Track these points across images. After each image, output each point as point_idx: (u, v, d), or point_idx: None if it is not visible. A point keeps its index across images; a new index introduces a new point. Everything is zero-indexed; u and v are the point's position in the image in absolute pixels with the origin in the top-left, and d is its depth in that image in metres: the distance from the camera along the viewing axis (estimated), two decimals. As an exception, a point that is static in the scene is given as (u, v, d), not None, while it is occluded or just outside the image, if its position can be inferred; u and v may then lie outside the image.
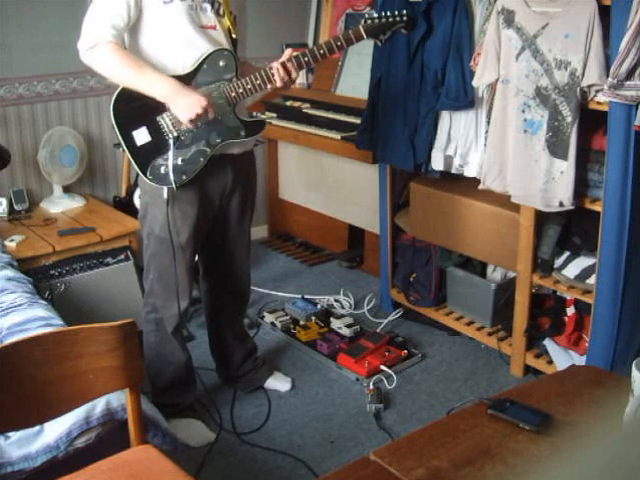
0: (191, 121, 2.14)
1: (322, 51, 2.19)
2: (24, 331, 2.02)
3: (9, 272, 2.53)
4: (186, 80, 2.17)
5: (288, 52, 2.22)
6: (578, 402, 1.46)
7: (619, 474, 0.64)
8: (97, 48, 2.10)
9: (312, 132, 3.67)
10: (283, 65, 2.19)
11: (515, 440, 1.34)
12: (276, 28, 4.08)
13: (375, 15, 2.20)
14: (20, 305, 2.25)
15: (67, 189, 3.54)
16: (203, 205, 2.33)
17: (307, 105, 3.87)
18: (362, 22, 2.21)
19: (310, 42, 4.23)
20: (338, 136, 3.52)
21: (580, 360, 2.64)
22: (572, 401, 1.47)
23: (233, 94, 2.21)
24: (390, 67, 2.99)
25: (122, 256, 3.08)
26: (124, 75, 2.13)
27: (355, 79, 3.79)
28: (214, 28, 2.23)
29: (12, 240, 3.00)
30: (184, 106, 2.12)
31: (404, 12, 2.22)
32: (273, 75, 2.19)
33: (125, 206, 3.50)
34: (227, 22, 2.24)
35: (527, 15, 2.48)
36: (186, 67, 2.19)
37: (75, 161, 3.47)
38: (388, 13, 2.20)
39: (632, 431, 0.76)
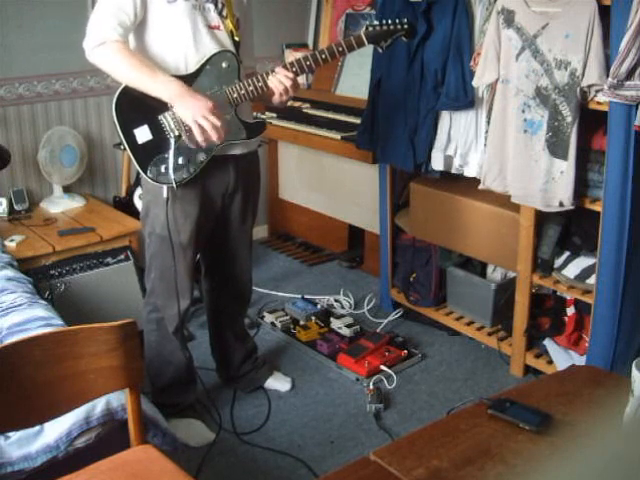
0: (197, 124, 2.14)
1: (324, 55, 2.22)
2: (24, 331, 2.02)
3: (9, 272, 2.53)
4: (189, 80, 2.17)
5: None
6: (578, 402, 1.46)
7: (619, 474, 0.64)
8: (103, 47, 2.10)
9: (312, 132, 3.67)
10: (284, 67, 2.20)
11: (515, 440, 1.34)
12: (276, 28, 4.08)
13: (376, 22, 2.25)
14: (20, 305, 2.24)
15: (67, 189, 3.54)
16: (204, 204, 2.33)
17: (307, 105, 3.87)
18: (364, 28, 2.25)
19: (310, 42, 4.23)
20: (338, 136, 3.51)
21: (580, 360, 2.64)
22: (572, 401, 1.47)
23: (235, 95, 2.21)
24: (390, 67, 2.99)
25: (122, 256, 3.07)
26: (130, 75, 2.12)
27: (355, 79, 3.78)
28: (218, 28, 2.23)
29: (12, 240, 3.00)
30: (191, 109, 2.12)
31: (405, 20, 2.27)
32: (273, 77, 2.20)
33: (125, 206, 3.50)
34: (230, 24, 2.25)
35: (527, 15, 2.48)
36: (189, 67, 2.19)
37: (75, 161, 3.47)
38: (389, 21, 2.26)
39: (632, 431, 0.76)
